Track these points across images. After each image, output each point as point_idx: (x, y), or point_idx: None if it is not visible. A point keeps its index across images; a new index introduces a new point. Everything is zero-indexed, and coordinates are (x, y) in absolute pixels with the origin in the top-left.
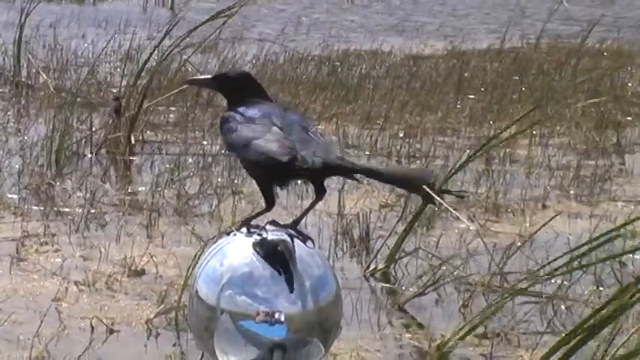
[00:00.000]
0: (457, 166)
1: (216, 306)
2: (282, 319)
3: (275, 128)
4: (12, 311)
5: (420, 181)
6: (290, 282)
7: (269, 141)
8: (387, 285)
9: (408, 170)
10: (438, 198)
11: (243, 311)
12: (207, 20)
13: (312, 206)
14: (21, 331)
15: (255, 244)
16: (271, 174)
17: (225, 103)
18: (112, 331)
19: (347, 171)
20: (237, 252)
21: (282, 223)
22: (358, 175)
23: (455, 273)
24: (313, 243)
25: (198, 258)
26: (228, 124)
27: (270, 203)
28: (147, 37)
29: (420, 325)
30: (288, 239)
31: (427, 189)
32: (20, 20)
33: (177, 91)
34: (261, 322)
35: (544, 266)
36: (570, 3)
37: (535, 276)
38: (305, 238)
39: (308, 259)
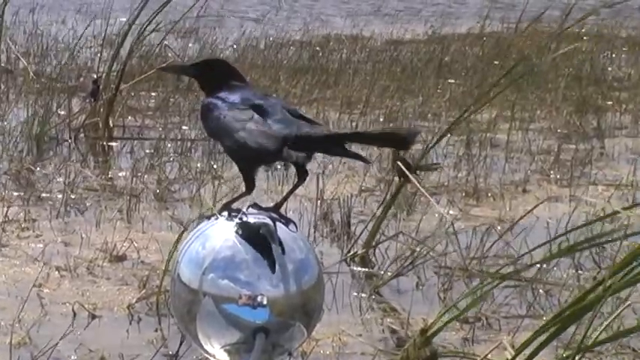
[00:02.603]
0: (432, 143)
1: (199, 289)
2: (265, 302)
3: (256, 116)
4: None
5: (408, 139)
6: (272, 265)
7: (251, 132)
8: (367, 269)
9: (395, 129)
10: (414, 180)
11: (225, 294)
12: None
13: (294, 189)
14: (2, 316)
15: (236, 228)
16: (253, 162)
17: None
18: (93, 317)
19: (333, 142)
20: (219, 235)
21: (264, 207)
22: (349, 148)
23: (434, 256)
24: (296, 226)
25: (178, 242)
26: (209, 112)
27: (251, 187)
28: (128, 22)
29: (402, 310)
30: (270, 222)
31: (403, 167)
32: (2, 4)
33: (152, 72)
34: (244, 305)
35: (526, 254)
36: None
37: (516, 262)
38: (287, 221)
39: (290, 243)
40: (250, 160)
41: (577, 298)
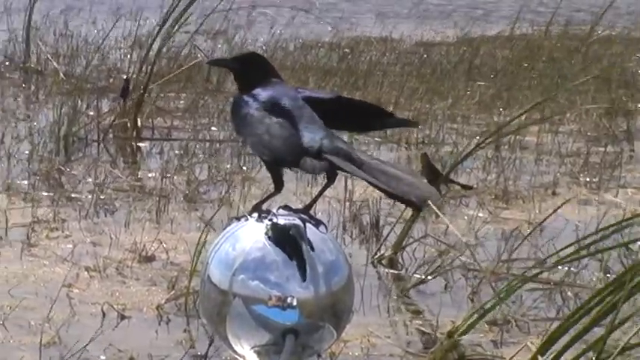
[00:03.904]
0: (463, 155)
1: (229, 290)
2: (295, 303)
3: (282, 120)
4: (23, 297)
5: (423, 199)
6: (302, 267)
7: (274, 137)
8: (395, 271)
9: (414, 182)
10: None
11: (255, 296)
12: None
13: (323, 190)
14: (32, 316)
15: (266, 229)
16: (276, 165)
17: (235, 88)
18: (122, 317)
19: (347, 170)
20: (250, 236)
21: (294, 208)
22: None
23: (462, 259)
24: (326, 228)
25: (205, 243)
26: (239, 109)
27: (279, 186)
28: (157, 24)
29: (430, 312)
30: (300, 224)
31: (432, 176)
32: (30, 4)
33: (184, 68)
34: (274, 306)
35: (553, 254)
36: None
37: (543, 264)
38: (317, 222)
39: (320, 244)
40: (272, 163)
41: (600, 297)
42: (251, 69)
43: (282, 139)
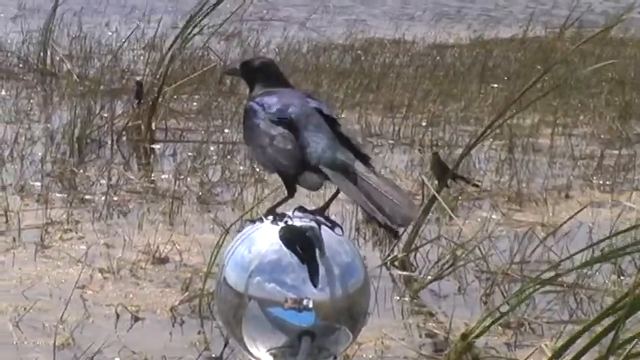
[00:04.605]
0: (470, 145)
1: (245, 293)
2: (311, 305)
3: (286, 132)
4: (37, 298)
5: (405, 220)
6: (318, 269)
7: (277, 150)
8: (408, 273)
9: (401, 203)
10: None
11: (271, 298)
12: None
13: (337, 192)
14: (46, 318)
15: (282, 231)
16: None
17: (248, 90)
18: (136, 319)
19: (337, 185)
20: (265, 239)
21: (309, 210)
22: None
23: (475, 261)
24: (342, 230)
25: (221, 245)
26: (247, 119)
27: (292, 192)
28: (171, 26)
29: (443, 314)
30: (316, 226)
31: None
32: (54, 7)
33: (197, 73)
34: (290, 308)
35: (567, 258)
36: None
37: (558, 267)
38: (333, 224)
39: (336, 246)
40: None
41: (615, 301)
42: (257, 74)
43: (284, 153)
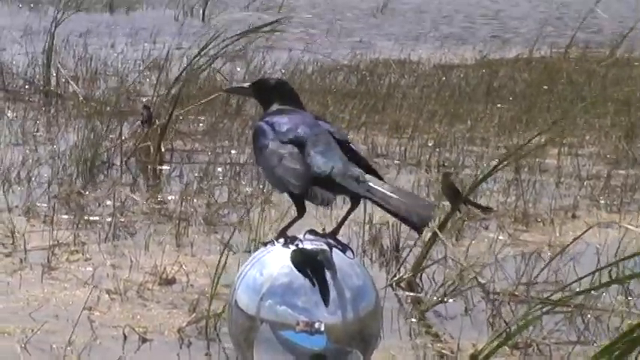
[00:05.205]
0: (481, 177)
1: (256, 316)
2: (322, 329)
3: (295, 151)
4: (44, 320)
5: (419, 226)
6: (329, 292)
7: (285, 169)
8: (415, 294)
9: (413, 203)
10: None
11: (283, 321)
12: (248, 32)
13: (348, 214)
14: (54, 340)
15: (293, 254)
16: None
17: (254, 111)
18: (144, 340)
19: (358, 198)
20: (276, 262)
21: (321, 233)
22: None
23: (481, 282)
24: (353, 253)
25: (224, 266)
26: (256, 139)
27: (301, 211)
28: (176, 47)
29: (451, 335)
30: (327, 249)
31: (453, 196)
32: (51, 30)
33: (208, 99)
34: (301, 331)
35: (575, 281)
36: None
37: (564, 289)
38: (344, 247)
39: (347, 269)
40: (285, 193)
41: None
42: (268, 93)
43: (292, 172)
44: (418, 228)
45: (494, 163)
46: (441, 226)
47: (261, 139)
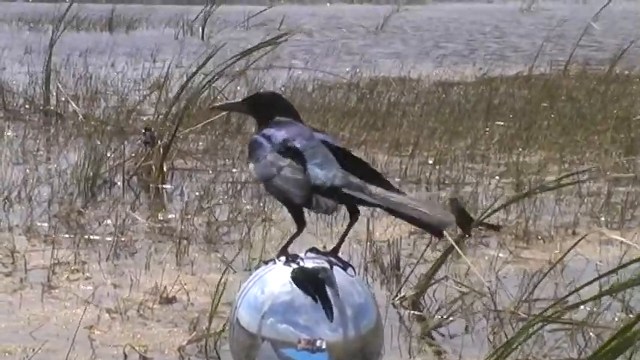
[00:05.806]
0: (495, 207)
1: (258, 334)
2: (324, 346)
3: (293, 162)
4: (45, 339)
5: (439, 229)
6: (331, 310)
7: (285, 180)
8: (417, 312)
9: (430, 211)
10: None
11: (284, 339)
12: (251, 50)
13: (348, 229)
14: (55, 358)
15: (294, 273)
16: (289, 206)
17: (255, 129)
18: (144, 359)
19: (365, 203)
20: (278, 280)
21: (322, 251)
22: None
23: (483, 300)
24: (354, 270)
25: (225, 284)
26: (253, 151)
27: (301, 226)
28: (176, 66)
29: (452, 353)
30: (329, 267)
31: (463, 221)
32: (50, 47)
33: (210, 120)
34: (303, 349)
35: (573, 292)
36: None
37: (564, 302)
38: (345, 265)
39: (349, 287)
40: (285, 204)
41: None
42: (263, 107)
43: (293, 183)
44: (440, 232)
45: (494, 180)
46: (449, 249)
47: (257, 151)
